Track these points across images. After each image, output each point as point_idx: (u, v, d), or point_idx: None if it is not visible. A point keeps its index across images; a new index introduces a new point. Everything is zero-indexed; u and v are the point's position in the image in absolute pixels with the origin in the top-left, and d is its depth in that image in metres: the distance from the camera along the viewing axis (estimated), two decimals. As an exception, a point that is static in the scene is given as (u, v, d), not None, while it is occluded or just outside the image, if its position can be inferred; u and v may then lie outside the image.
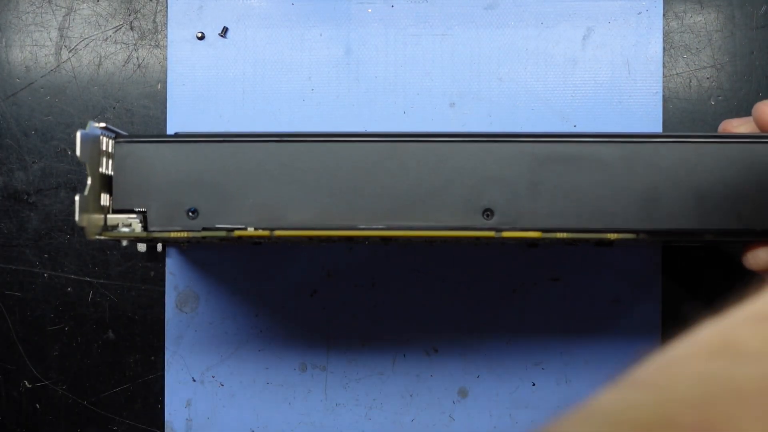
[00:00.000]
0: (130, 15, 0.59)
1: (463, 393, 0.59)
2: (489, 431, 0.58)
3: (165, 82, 0.59)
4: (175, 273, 0.59)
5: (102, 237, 0.43)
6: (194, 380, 0.59)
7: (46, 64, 0.59)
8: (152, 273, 0.59)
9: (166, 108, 0.59)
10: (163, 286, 0.59)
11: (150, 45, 0.59)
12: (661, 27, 0.58)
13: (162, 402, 0.59)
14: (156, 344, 0.59)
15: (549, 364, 0.58)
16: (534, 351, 0.58)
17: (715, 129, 0.51)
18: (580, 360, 0.58)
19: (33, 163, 0.59)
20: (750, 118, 0.47)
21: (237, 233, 0.44)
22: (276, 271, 0.58)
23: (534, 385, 0.58)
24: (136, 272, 0.59)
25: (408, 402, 0.59)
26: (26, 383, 0.59)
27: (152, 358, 0.59)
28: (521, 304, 0.58)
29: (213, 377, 0.59)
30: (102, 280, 0.59)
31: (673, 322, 0.58)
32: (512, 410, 0.58)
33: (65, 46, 0.59)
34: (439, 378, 0.59)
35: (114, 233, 0.44)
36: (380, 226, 0.44)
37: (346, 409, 0.59)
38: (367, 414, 0.59)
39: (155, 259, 0.59)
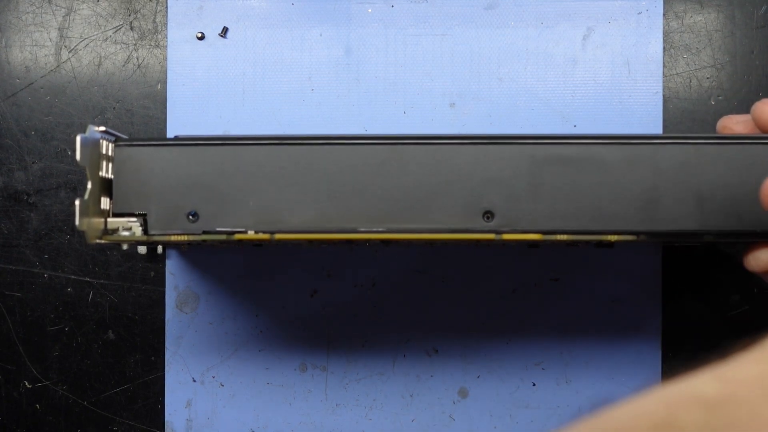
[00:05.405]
0: (130, 15, 0.59)
1: (463, 393, 0.59)
2: (489, 431, 0.59)
3: (165, 83, 0.59)
4: (175, 273, 0.59)
5: (102, 241, 0.43)
6: (194, 380, 0.59)
7: (46, 64, 0.59)
8: (152, 273, 0.59)
9: (166, 108, 0.58)
10: (163, 286, 0.59)
11: (150, 45, 0.59)
12: (661, 27, 0.58)
13: (162, 402, 0.59)
14: (156, 344, 0.59)
15: (549, 364, 0.58)
16: (534, 351, 0.58)
17: (716, 129, 0.50)
18: (580, 360, 0.58)
19: (33, 163, 0.58)
20: (750, 116, 0.47)
21: (237, 237, 0.44)
22: (276, 271, 0.58)
23: (534, 385, 0.58)
24: (136, 273, 0.59)
25: (408, 402, 0.59)
26: (26, 383, 0.59)
27: (152, 358, 0.59)
28: (521, 304, 0.58)
29: (213, 377, 0.59)
30: (102, 281, 0.59)
31: (673, 322, 0.58)
32: (512, 410, 0.58)
33: (65, 46, 0.59)
34: (440, 378, 0.59)
35: (114, 237, 0.44)
36: (380, 229, 0.44)
37: (346, 410, 0.59)
38: (368, 414, 0.59)
39: (155, 259, 0.59)
